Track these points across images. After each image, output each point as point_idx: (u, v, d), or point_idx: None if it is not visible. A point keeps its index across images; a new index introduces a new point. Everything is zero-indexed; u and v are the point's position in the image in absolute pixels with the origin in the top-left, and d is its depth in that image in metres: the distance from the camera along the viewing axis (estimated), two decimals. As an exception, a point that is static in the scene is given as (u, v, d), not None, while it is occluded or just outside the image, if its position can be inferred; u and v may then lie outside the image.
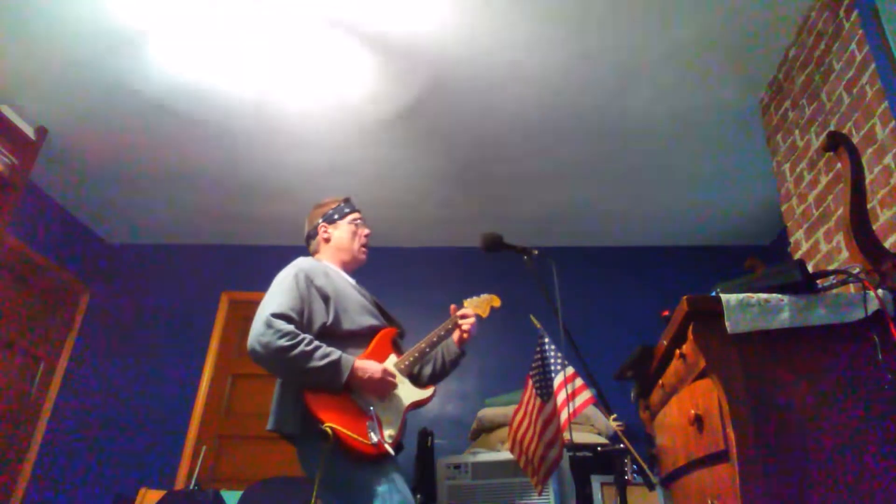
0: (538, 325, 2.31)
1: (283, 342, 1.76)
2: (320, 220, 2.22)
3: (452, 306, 2.23)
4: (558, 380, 2.13)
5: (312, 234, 2.23)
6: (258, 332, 1.80)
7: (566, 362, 2.14)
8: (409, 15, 2.65)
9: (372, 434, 1.75)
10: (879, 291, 1.24)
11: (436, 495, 3.00)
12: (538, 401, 2.17)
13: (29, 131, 3.32)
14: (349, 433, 1.72)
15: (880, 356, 1.20)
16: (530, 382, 2.24)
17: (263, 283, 4.80)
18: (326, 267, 2.11)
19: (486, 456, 2.96)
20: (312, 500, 1.68)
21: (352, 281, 2.17)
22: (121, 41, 2.80)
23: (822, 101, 2.52)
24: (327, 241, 2.20)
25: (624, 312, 4.18)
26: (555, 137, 3.44)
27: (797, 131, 2.75)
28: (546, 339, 2.25)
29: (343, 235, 2.20)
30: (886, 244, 2.01)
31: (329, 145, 3.54)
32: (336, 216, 2.22)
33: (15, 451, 3.79)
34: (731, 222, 4.26)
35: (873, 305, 1.22)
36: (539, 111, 3.24)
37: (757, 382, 1.22)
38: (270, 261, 4.49)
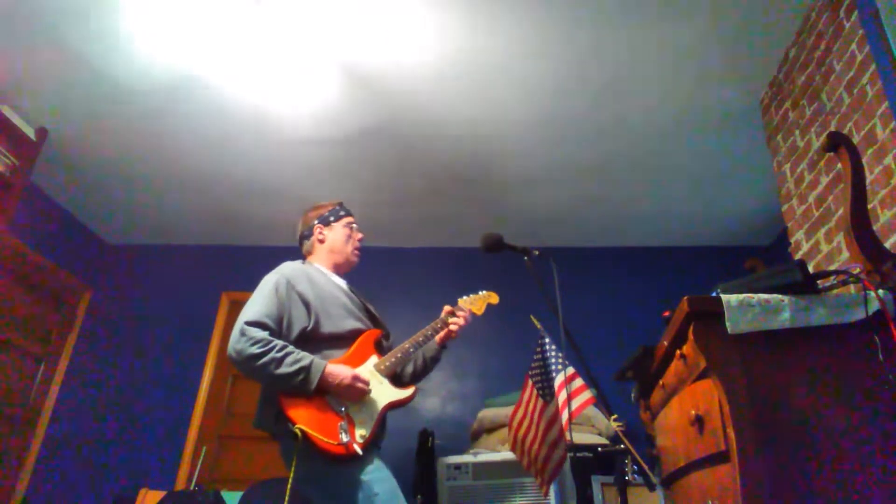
0: (538, 326, 2.31)
1: (255, 349, 1.81)
2: (315, 222, 2.27)
3: (446, 307, 2.26)
4: (558, 380, 2.13)
5: (307, 235, 2.28)
6: (233, 339, 1.86)
7: (566, 363, 2.14)
8: (408, 17, 2.65)
9: (342, 435, 1.78)
10: (880, 292, 1.24)
11: (436, 496, 3.00)
12: (540, 401, 2.17)
13: (29, 132, 3.32)
14: (317, 434, 1.77)
15: (881, 356, 1.20)
16: (530, 382, 2.24)
17: (264, 284, 4.64)
18: (314, 269, 2.16)
19: (486, 456, 2.96)
20: (286, 498, 1.74)
21: (341, 283, 2.20)
22: (122, 41, 2.80)
23: (822, 101, 2.52)
24: (322, 241, 2.25)
25: (624, 312, 4.18)
26: (554, 137, 3.44)
27: (797, 131, 2.74)
28: (546, 340, 2.24)
29: (337, 237, 2.25)
30: (887, 244, 2.01)
31: (329, 146, 3.54)
32: (332, 218, 2.27)
33: (15, 451, 3.79)
34: (731, 223, 4.26)
35: (874, 306, 1.22)
36: (538, 111, 3.23)
37: (758, 383, 1.22)
38: (270, 261, 4.49)
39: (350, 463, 1.80)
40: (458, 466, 2.88)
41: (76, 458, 3.94)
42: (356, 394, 1.90)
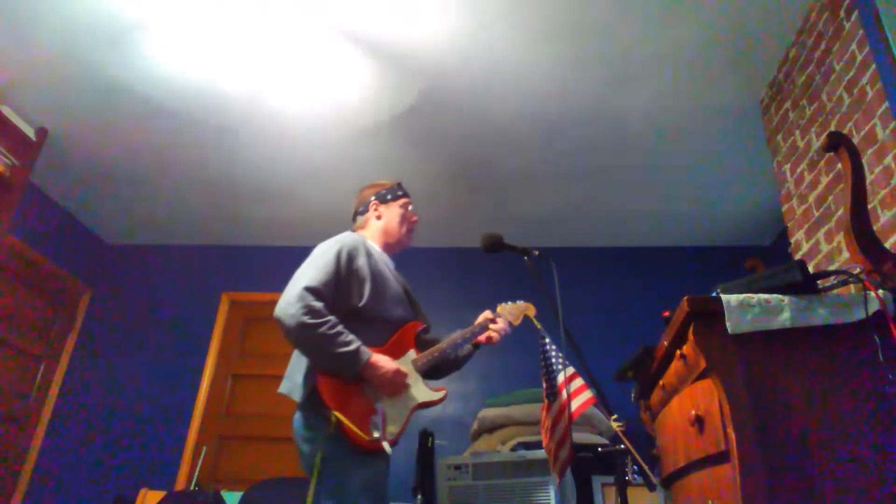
0: (539, 326, 2.31)
1: (308, 319, 1.75)
2: (373, 198, 2.22)
3: (487, 313, 2.23)
4: (559, 380, 2.13)
5: (362, 211, 2.23)
6: (287, 301, 1.79)
7: (567, 363, 2.14)
8: (408, 20, 2.65)
9: (374, 429, 1.75)
10: (880, 292, 1.24)
11: (436, 496, 3.00)
12: (546, 401, 2.17)
13: (29, 132, 3.32)
14: (352, 426, 1.72)
15: (881, 356, 1.20)
16: (544, 382, 2.24)
17: (263, 284, 4.80)
18: (370, 246, 2.10)
19: (486, 456, 2.96)
20: (313, 478, 1.70)
21: (391, 264, 2.16)
22: (121, 41, 2.80)
23: (822, 101, 2.52)
24: (378, 218, 2.20)
25: (624, 312, 4.18)
26: (554, 138, 3.44)
27: (797, 132, 2.74)
28: (547, 340, 2.24)
29: (393, 217, 2.20)
30: (887, 244, 2.01)
31: (329, 146, 3.54)
32: (389, 196, 2.23)
33: (15, 451, 3.80)
34: (731, 222, 4.26)
35: (874, 306, 1.22)
36: (538, 111, 3.23)
37: (758, 383, 1.22)
38: (270, 261, 4.54)
39: (369, 456, 1.77)
40: (458, 466, 2.88)
41: (76, 458, 3.94)
42: (396, 389, 1.87)
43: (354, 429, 1.72)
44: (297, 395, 1.84)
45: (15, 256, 3.72)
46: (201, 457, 3.79)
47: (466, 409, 3.96)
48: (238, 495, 3.13)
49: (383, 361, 1.84)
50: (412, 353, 2.01)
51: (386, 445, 1.76)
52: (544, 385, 2.20)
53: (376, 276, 1.98)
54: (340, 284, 1.89)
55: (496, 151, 3.58)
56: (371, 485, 1.76)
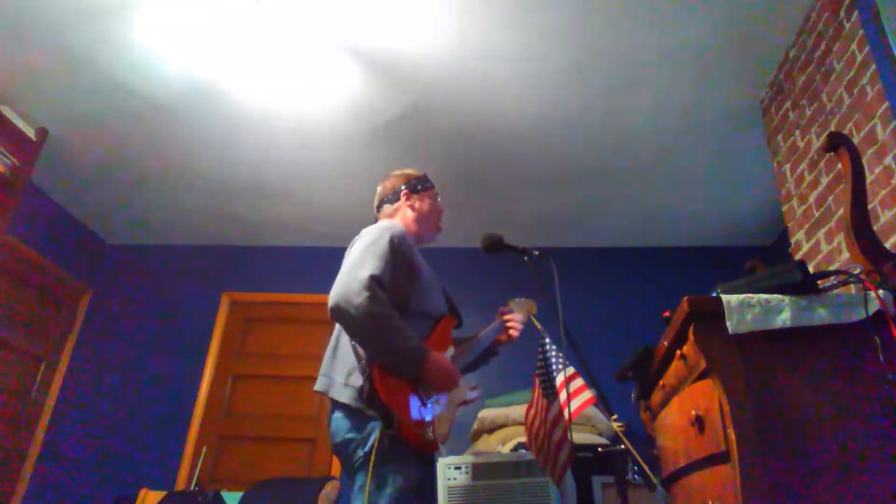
0: (539, 326, 2.31)
1: (378, 309, 1.65)
2: (403, 187, 2.13)
3: (503, 309, 2.26)
4: (559, 380, 2.13)
5: (391, 199, 2.13)
6: (353, 289, 1.66)
7: (567, 363, 2.14)
8: (406, 22, 2.66)
9: (429, 429, 1.70)
10: (880, 292, 1.24)
11: (435, 496, 2.99)
12: (545, 401, 2.17)
13: (29, 132, 3.32)
14: (413, 426, 1.65)
15: (881, 356, 1.20)
16: (537, 381, 2.23)
17: (263, 284, 4.78)
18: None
19: (486, 456, 2.96)
20: (368, 478, 1.62)
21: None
22: (123, 42, 2.80)
23: (822, 101, 2.52)
24: (412, 208, 2.11)
25: (624, 313, 4.18)
26: (555, 138, 3.44)
27: (798, 132, 2.74)
28: (547, 340, 2.24)
29: (426, 207, 2.13)
30: (887, 245, 2.01)
31: (329, 147, 3.54)
32: (420, 187, 2.15)
33: (16, 451, 3.80)
34: (731, 223, 4.25)
35: (874, 306, 1.22)
36: (539, 112, 3.24)
37: (758, 383, 1.22)
38: (270, 261, 4.53)
39: (424, 457, 1.73)
40: (457, 466, 2.88)
41: (77, 458, 3.94)
42: (452, 387, 1.81)
43: (416, 430, 1.65)
44: (337, 393, 1.74)
45: (15, 256, 3.72)
46: (201, 457, 3.79)
47: (466, 409, 3.94)
48: (238, 495, 3.13)
49: (443, 360, 1.78)
50: (451, 350, 1.96)
51: (441, 446, 1.73)
52: (535, 383, 2.20)
53: (423, 267, 1.92)
54: (393, 274, 1.79)
55: (496, 152, 3.58)
56: (423, 487, 1.71)
